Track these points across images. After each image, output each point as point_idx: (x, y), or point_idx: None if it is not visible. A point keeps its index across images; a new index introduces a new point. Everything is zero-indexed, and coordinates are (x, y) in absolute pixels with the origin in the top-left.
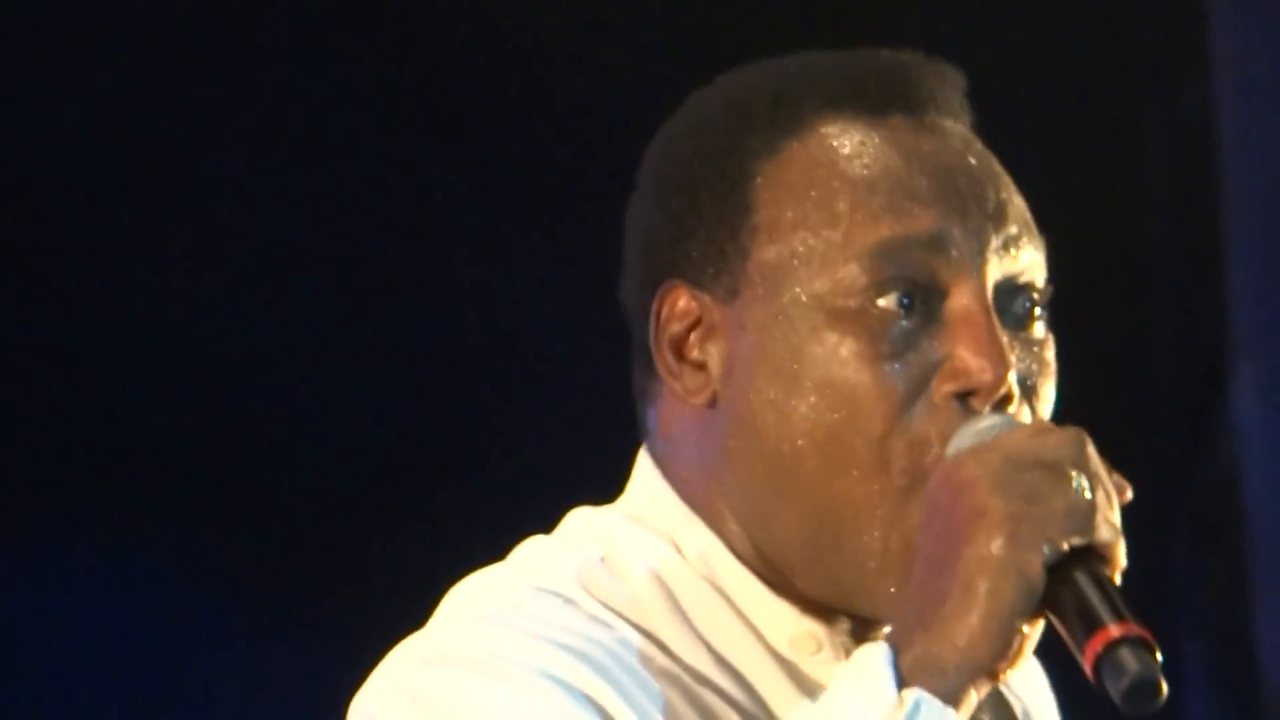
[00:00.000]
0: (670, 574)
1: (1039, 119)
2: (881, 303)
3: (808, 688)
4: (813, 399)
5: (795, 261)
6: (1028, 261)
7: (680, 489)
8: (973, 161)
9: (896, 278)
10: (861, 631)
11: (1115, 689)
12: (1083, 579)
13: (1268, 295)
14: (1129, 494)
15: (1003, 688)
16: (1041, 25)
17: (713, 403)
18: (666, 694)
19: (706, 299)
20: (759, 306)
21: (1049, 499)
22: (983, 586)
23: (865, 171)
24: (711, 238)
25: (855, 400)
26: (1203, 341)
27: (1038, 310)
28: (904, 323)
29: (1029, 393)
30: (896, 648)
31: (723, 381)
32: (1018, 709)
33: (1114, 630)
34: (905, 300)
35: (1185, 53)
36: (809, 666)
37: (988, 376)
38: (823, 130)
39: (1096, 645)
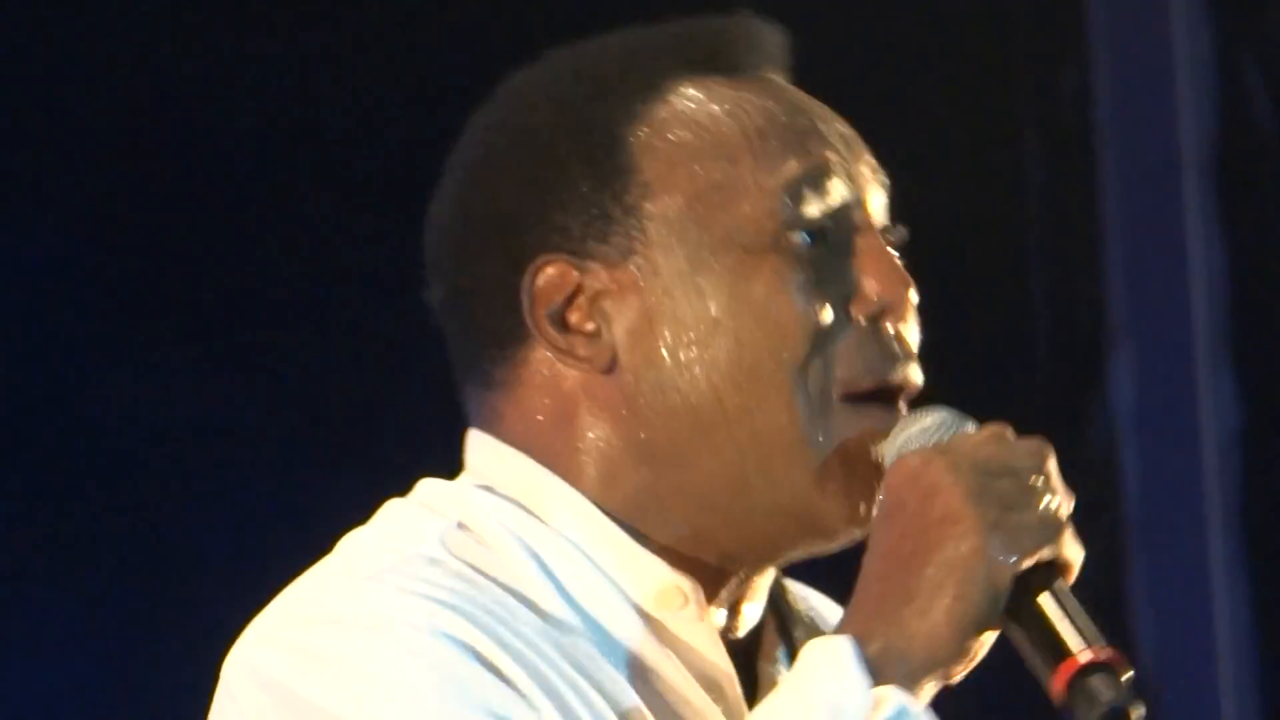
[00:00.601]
0: (529, 535)
1: (916, 98)
2: (793, 236)
3: (671, 643)
4: (732, 334)
5: (699, 207)
6: (887, 197)
7: (544, 459)
8: (827, 108)
9: (806, 213)
10: (739, 589)
11: (1086, 718)
12: (1048, 595)
13: (1143, 275)
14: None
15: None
16: (921, 5)
17: (610, 366)
18: (542, 651)
19: (593, 265)
20: (663, 257)
21: (1023, 510)
22: (952, 589)
23: (748, 119)
24: (589, 205)
25: (780, 329)
26: (1079, 321)
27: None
28: (815, 253)
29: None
30: (857, 639)
31: (624, 341)
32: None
33: (1083, 656)
34: (813, 233)
35: (1062, 32)
36: (673, 623)
37: (898, 297)
38: (687, 90)
39: (1066, 673)
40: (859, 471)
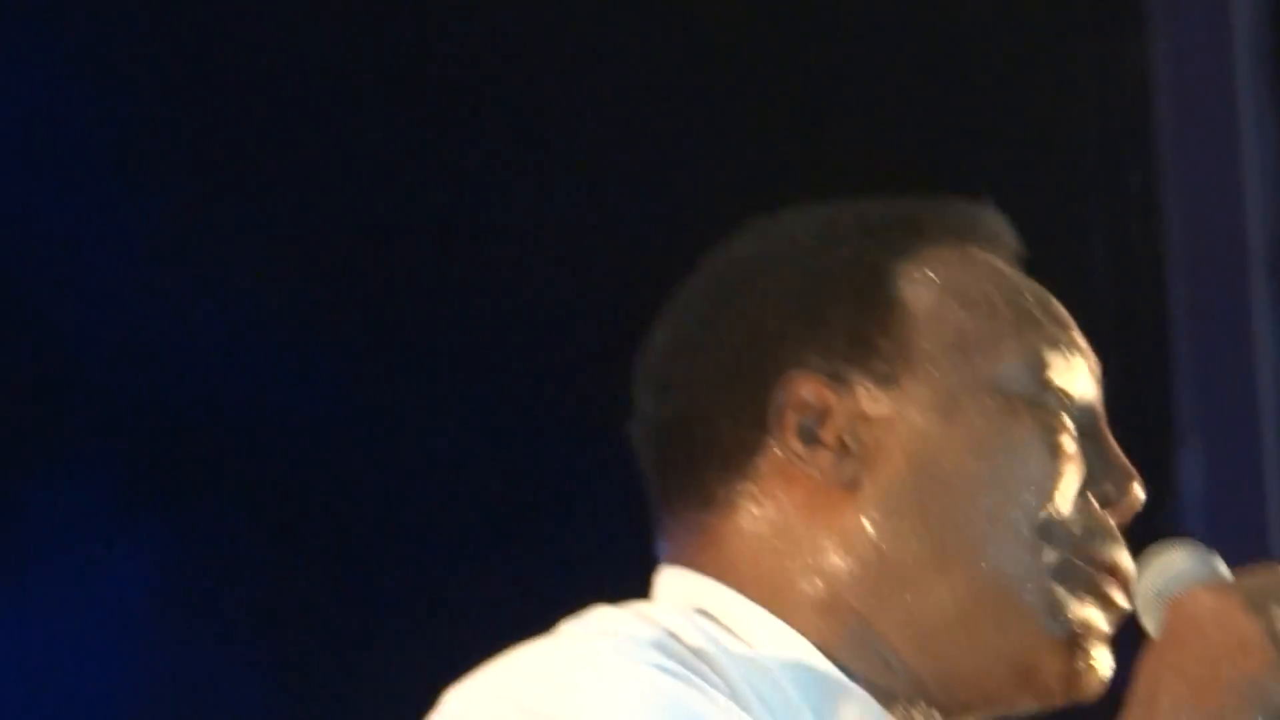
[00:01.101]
0: (735, 653)
1: (984, 198)
2: (1050, 399)
3: None
4: (986, 474)
5: (964, 348)
6: None
7: (755, 588)
8: None
9: (1073, 390)
10: None
11: None
12: None
13: (1210, 372)
14: None
15: None
16: (987, 106)
17: (853, 485)
18: None
19: (851, 389)
20: (925, 389)
21: None
22: (1248, 712)
23: (1006, 283)
24: (853, 330)
25: (1034, 480)
26: (1148, 417)
27: None
28: (1070, 418)
29: None
30: None
31: (872, 463)
32: None
33: None
34: (1068, 405)
35: (1128, 132)
36: None
37: (1133, 502)
38: (951, 247)
39: None
40: (1089, 636)
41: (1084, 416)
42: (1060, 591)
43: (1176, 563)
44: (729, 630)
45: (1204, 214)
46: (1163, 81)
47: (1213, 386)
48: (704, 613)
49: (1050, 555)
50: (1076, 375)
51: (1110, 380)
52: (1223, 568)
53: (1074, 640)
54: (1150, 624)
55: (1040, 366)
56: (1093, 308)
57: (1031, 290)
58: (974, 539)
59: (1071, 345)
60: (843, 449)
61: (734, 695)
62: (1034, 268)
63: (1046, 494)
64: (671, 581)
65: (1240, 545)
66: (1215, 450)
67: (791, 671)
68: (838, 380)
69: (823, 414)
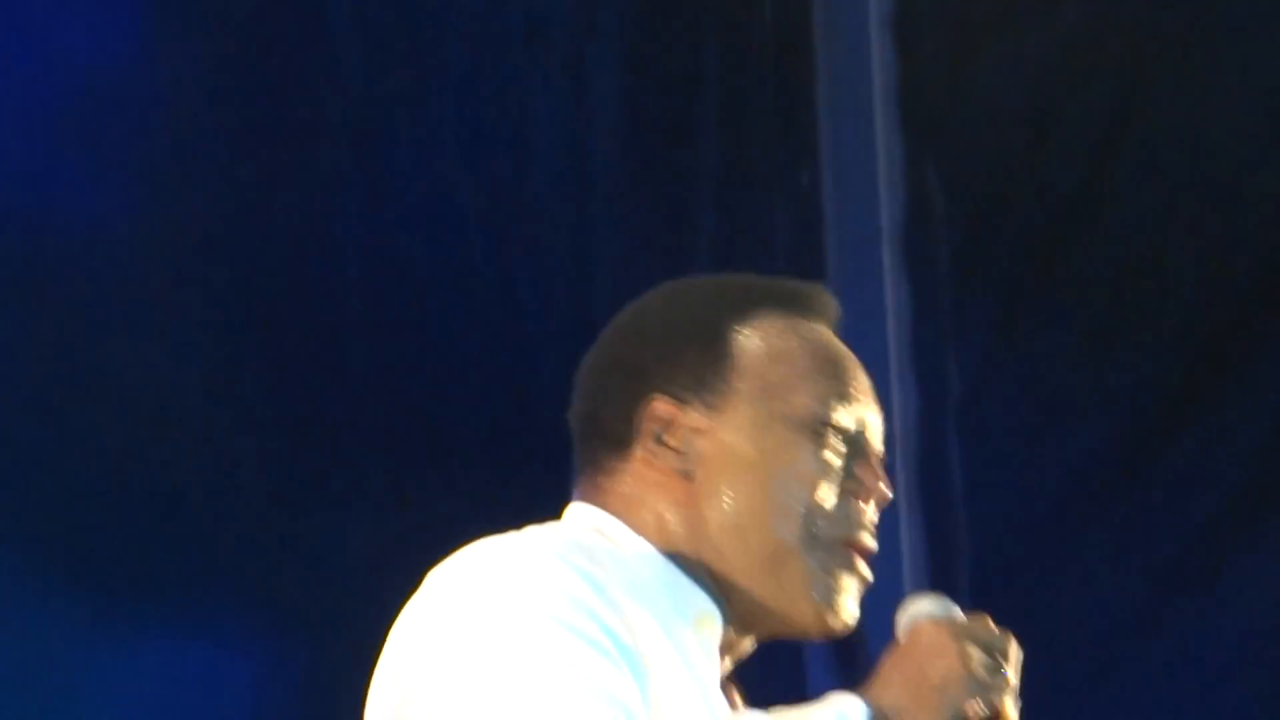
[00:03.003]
0: (622, 556)
1: None
2: (827, 432)
3: (698, 653)
4: (774, 479)
5: (769, 391)
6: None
7: (627, 521)
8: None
9: (844, 424)
10: (729, 646)
11: None
12: None
13: None
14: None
15: None
16: None
17: (687, 476)
18: (626, 617)
19: (689, 410)
20: (737, 418)
21: (992, 677)
22: (934, 704)
23: (810, 345)
24: (696, 370)
25: (806, 485)
26: None
27: None
28: (839, 449)
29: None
30: (867, 700)
31: (698, 463)
32: None
33: None
34: (841, 436)
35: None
36: (699, 638)
37: (888, 498)
38: (775, 315)
39: None
40: (839, 591)
41: (854, 443)
42: (821, 557)
43: (924, 605)
44: (608, 538)
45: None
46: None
47: None
48: (596, 530)
49: (814, 531)
50: (851, 415)
51: None
52: (956, 611)
53: (827, 593)
54: (900, 639)
55: (824, 408)
56: None
57: (833, 352)
58: (762, 516)
59: (849, 395)
60: (681, 452)
61: (606, 574)
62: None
63: (813, 489)
64: (577, 511)
65: None
66: None
67: (642, 561)
68: (682, 403)
69: (669, 425)
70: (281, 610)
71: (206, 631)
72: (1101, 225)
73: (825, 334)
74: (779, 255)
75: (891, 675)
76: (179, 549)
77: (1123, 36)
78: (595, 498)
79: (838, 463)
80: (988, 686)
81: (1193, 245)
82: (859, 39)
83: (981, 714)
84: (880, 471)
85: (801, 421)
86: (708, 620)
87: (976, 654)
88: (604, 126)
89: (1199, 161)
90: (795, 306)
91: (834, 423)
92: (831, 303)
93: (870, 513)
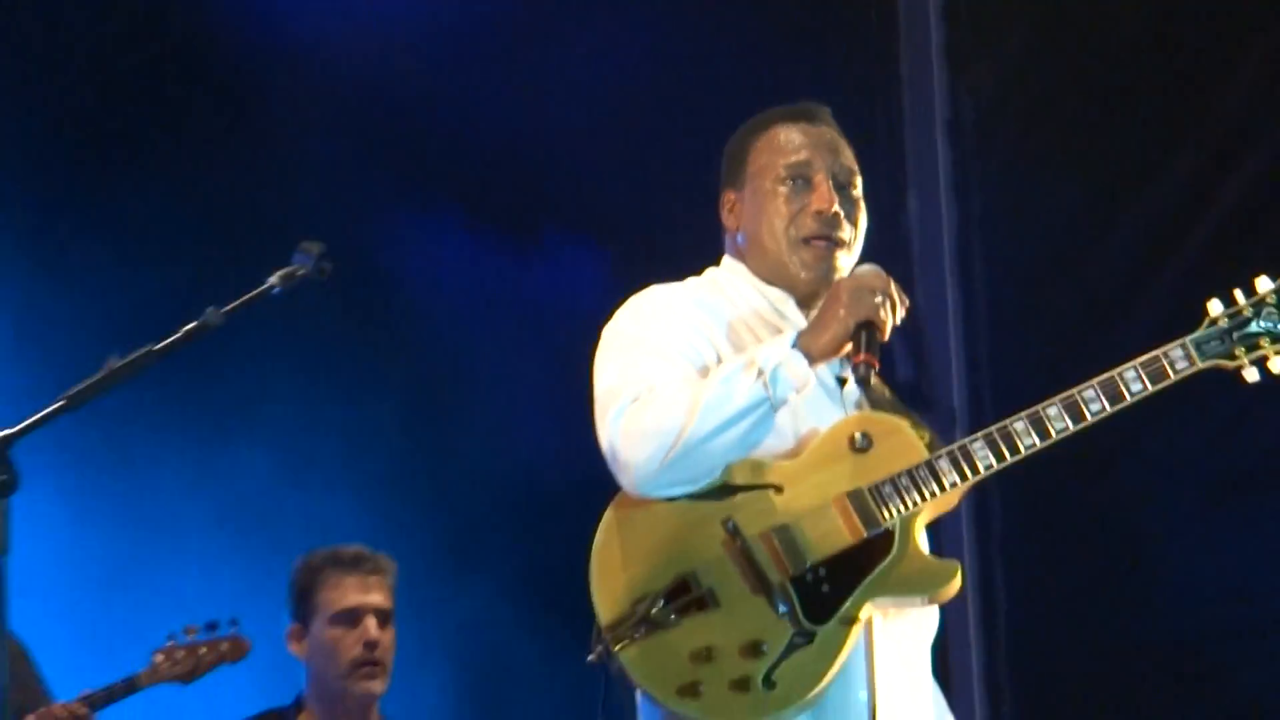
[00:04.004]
0: (734, 271)
1: None
2: (790, 181)
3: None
4: (768, 214)
5: (762, 171)
6: (849, 169)
7: (738, 257)
8: (829, 136)
9: (796, 174)
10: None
11: (856, 375)
12: (864, 332)
13: None
14: (906, 303)
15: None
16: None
17: (738, 228)
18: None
19: (735, 192)
20: (749, 190)
21: (870, 299)
22: (833, 326)
23: (786, 137)
24: (733, 172)
25: (782, 213)
26: None
27: (854, 184)
28: (798, 187)
29: (850, 215)
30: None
31: (743, 219)
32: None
33: (861, 356)
34: (797, 181)
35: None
36: (783, 310)
37: (826, 208)
38: (775, 127)
39: (855, 359)
40: (809, 269)
41: (800, 181)
42: (799, 250)
43: (860, 268)
44: (726, 269)
45: None
46: None
47: None
48: (722, 265)
49: (791, 236)
50: (799, 166)
51: None
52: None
53: (801, 266)
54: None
55: (785, 168)
56: None
57: (794, 135)
58: (766, 233)
59: (798, 157)
60: (737, 214)
61: (712, 286)
62: None
63: (783, 215)
64: (726, 256)
65: None
66: None
67: (738, 271)
68: (735, 190)
69: (732, 205)
70: None
71: None
72: None
73: (798, 128)
74: None
75: (817, 317)
76: None
77: None
78: (725, 250)
79: (795, 196)
80: (868, 307)
81: None
82: None
83: (870, 319)
84: (824, 191)
85: (775, 178)
86: (780, 299)
87: (864, 290)
88: None
89: None
90: (788, 117)
91: (787, 175)
92: (817, 109)
93: (823, 219)
